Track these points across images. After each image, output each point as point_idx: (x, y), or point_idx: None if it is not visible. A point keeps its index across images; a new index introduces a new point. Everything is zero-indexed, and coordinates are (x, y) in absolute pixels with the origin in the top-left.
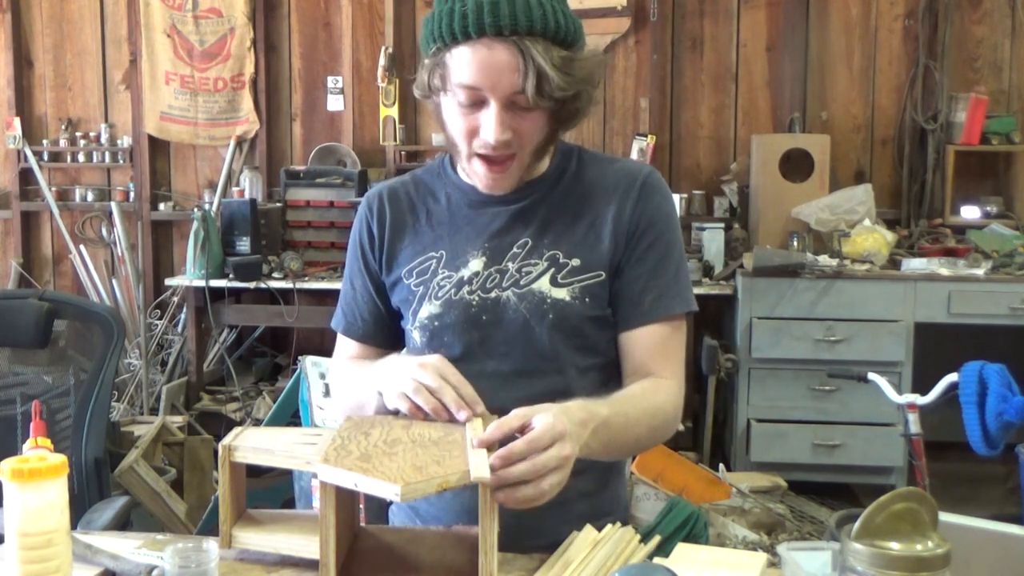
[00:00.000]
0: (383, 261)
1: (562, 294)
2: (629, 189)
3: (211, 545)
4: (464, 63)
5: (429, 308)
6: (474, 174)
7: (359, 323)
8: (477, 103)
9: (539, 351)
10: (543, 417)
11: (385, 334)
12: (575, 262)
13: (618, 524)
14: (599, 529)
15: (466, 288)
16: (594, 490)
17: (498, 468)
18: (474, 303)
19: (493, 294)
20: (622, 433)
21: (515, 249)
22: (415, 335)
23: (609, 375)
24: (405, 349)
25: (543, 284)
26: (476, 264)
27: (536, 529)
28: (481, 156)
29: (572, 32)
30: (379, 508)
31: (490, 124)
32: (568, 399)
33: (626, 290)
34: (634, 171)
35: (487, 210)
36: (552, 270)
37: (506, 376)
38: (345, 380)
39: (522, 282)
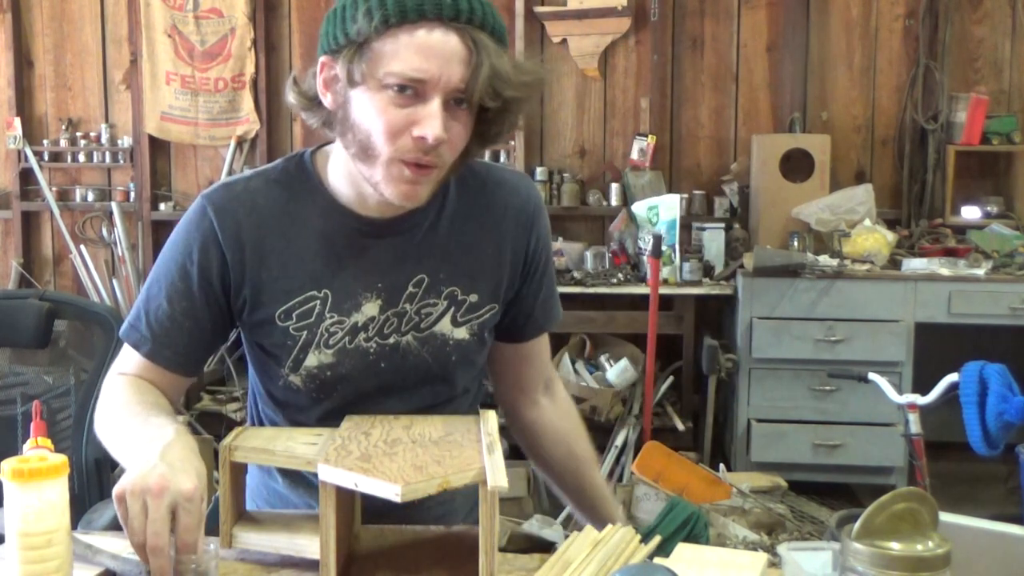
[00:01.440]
0: (244, 293)
1: (462, 333)
2: (521, 216)
3: (212, 544)
4: (411, 48)
5: (319, 357)
6: (389, 181)
7: (168, 349)
8: (411, 97)
9: (441, 393)
10: None
11: (193, 363)
12: (473, 298)
13: (619, 524)
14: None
15: (362, 335)
16: None
17: None
18: (371, 351)
19: (392, 340)
20: None
21: (411, 288)
22: (295, 381)
23: (479, 383)
24: (270, 390)
25: (444, 326)
26: (371, 308)
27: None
28: (406, 161)
29: (505, 37)
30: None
31: (434, 120)
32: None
33: (523, 307)
34: (520, 189)
35: (371, 242)
36: (452, 309)
37: (408, 415)
38: (117, 420)
39: (422, 325)
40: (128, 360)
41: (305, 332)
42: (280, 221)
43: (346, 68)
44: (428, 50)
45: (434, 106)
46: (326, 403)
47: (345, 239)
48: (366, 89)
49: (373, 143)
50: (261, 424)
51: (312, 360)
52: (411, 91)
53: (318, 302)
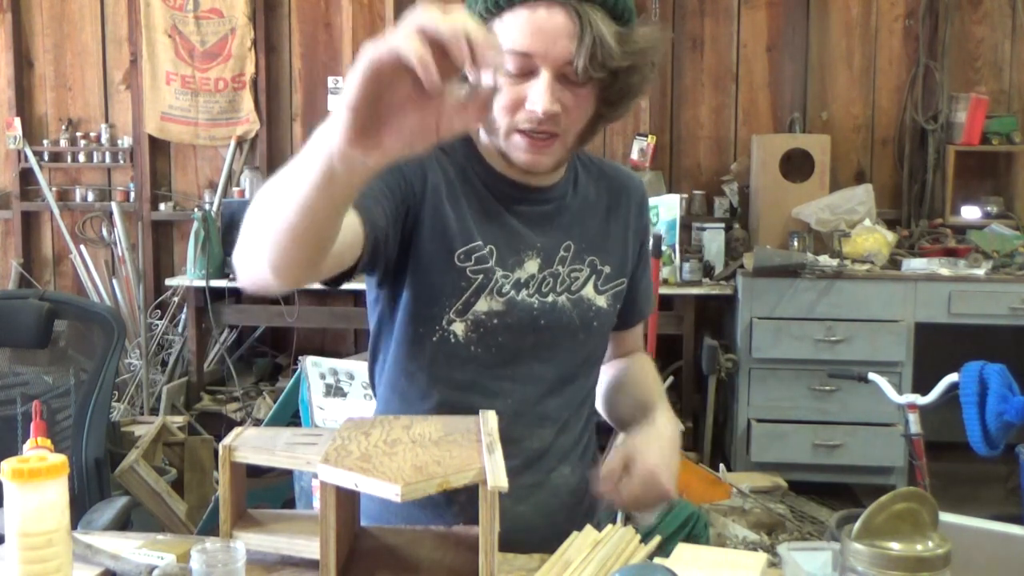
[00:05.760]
0: (437, 217)
1: (602, 301)
2: (634, 198)
3: (238, 544)
4: (516, 27)
5: (490, 303)
6: (512, 150)
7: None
8: (525, 73)
9: (580, 357)
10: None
11: (365, 211)
12: (607, 269)
13: (619, 524)
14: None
15: (525, 291)
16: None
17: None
18: (535, 307)
19: (550, 298)
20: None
21: (561, 252)
22: (456, 329)
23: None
24: (413, 353)
25: (589, 291)
26: (532, 266)
27: (550, 531)
28: (522, 132)
29: (628, 11)
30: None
31: (540, 93)
32: (584, 408)
33: (629, 293)
34: (633, 179)
35: (525, 208)
36: (594, 277)
37: (551, 382)
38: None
39: (573, 287)
40: None
41: (481, 276)
42: (454, 175)
43: None
44: (533, 27)
45: (542, 81)
46: (482, 357)
47: (502, 202)
48: None
49: (493, 118)
50: (390, 406)
51: (483, 305)
52: (523, 69)
53: (486, 253)
